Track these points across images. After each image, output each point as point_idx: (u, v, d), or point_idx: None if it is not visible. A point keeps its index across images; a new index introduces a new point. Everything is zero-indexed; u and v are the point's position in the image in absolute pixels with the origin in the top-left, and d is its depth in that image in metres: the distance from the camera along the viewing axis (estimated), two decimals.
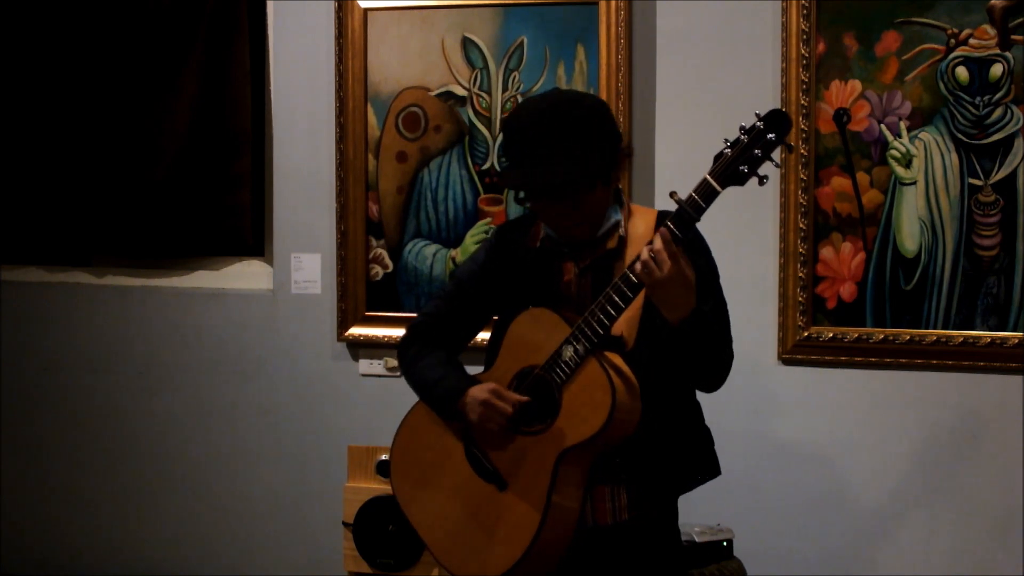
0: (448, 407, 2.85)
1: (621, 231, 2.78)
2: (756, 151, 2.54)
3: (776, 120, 2.54)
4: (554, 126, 2.66)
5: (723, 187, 2.56)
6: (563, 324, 2.71)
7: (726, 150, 2.56)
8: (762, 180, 2.55)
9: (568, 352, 2.68)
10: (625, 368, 2.68)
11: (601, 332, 2.65)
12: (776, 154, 2.57)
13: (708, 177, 2.56)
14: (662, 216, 2.78)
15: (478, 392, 2.78)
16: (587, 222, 2.75)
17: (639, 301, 2.67)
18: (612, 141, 2.73)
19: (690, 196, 2.57)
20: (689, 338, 2.64)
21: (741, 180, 2.55)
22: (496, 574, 2.74)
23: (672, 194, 2.61)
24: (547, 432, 2.72)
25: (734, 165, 2.55)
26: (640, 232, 2.77)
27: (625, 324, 2.69)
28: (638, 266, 2.58)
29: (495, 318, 2.95)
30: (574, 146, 2.66)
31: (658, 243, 2.56)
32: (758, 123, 2.55)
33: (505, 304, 2.87)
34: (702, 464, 2.87)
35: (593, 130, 2.69)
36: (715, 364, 2.76)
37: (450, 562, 2.86)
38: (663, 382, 2.76)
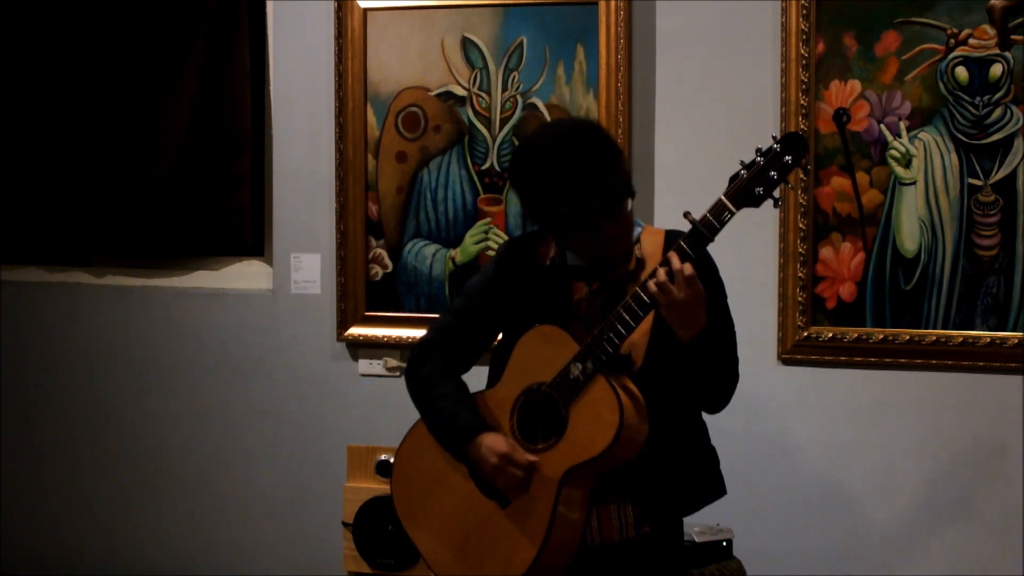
0: (457, 449, 2.82)
1: (638, 252, 2.77)
2: (772, 173, 2.55)
3: (793, 143, 2.56)
4: (582, 153, 2.65)
5: (738, 208, 2.57)
6: (571, 342, 2.70)
7: (742, 172, 2.57)
8: (777, 202, 2.58)
9: (576, 370, 2.67)
10: (633, 387, 2.67)
11: (610, 350, 2.64)
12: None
13: (723, 198, 2.57)
14: (671, 236, 2.78)
15: (489, 454, 2.74)
16: (626, 234, 2.74)
17: (647, 321, 2.66)
18: (617, 147, 2.75)
19: (704, 216, 2.58)
20: (700, 355, 2.65)
21: (756, 202, 2.57)
22: None
23: (686, 214, 2.62)
24: (553, 450, 2.71)
25: (750, 187, 2.56)
26: (649, 252, 2.76)
27: (633, 344, 2.68)
28: (651, 285, 2.58)
29: (500, 334, 2.94)
30: (606, 163, 2.66)
31: (676, 263, 2.56)
32: (775, 145, 2.56)
33: (513, 319, 2.86)
34: (708, 485, 2.87)
35: (609, 145, 2.71)
36: (723, 382, 2.78)
37: None
38: (670, 402, 2.75)
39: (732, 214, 2.57)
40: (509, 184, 2.92)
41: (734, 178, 2.58)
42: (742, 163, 2.59)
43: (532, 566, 2.69)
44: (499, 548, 2.76)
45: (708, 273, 2.76)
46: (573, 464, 2.67)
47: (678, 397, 2.77)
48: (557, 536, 2.70)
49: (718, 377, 2.75)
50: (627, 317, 2.62)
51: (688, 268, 2.56)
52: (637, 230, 2.80)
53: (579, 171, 2.63)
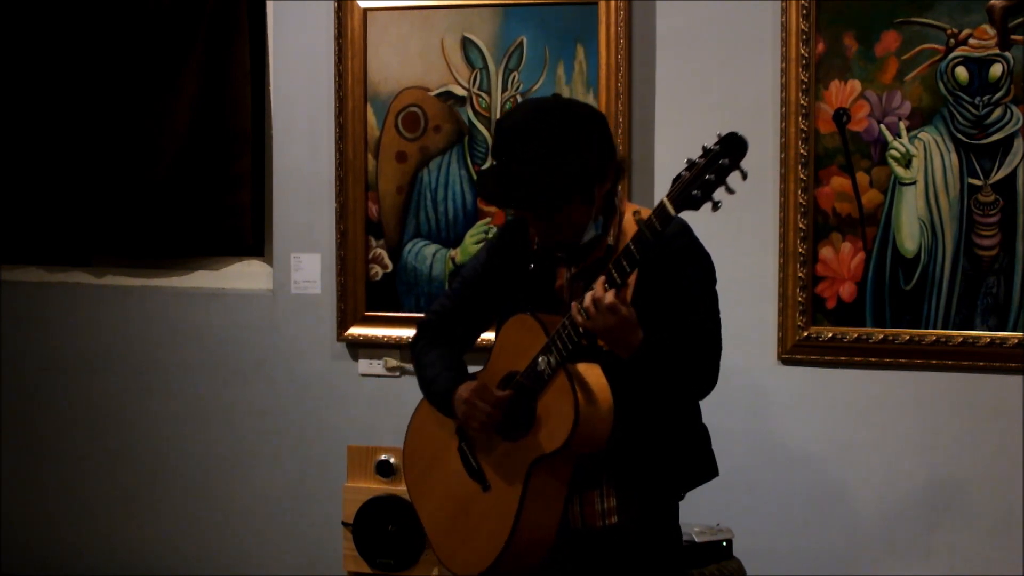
0: (443, 405, 2.87)
1: (610, 239, 2.74)
2: (709, 176, 2.43)
3: (731, 144, 2.43)
4: (533, 136, 2.60)
5: (677, 211, 2.47)
6: (542, 334, 2.70)
7: (684, 172, 2.47)
8: (716, 205, 2.45)
9: (543, 363, 2.68)
10: (596, 379, 2.65)
11: (571, 345, 2.63)
12: (749, 159, 2.49)
13: (665, 200, 2.49)
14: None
15: (463, 391, 2.80)
16: (563, 233, 2.70)
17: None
18: (600, 155, 2.66)
19: (649, 218, 2.51)
20: (645, 369, 2.63)
21: (695, 205, 2.45)
22: (474, 573, 2.78)
23: (635, 213, 2.57)
24: (523, 440, 2.74)
25: (688, 190, 2.45)
26: (630, 234, 2.73)
27: None
28: (578, 316, 2.58)
29: (496, 317, 2.96)
30: (551, 158, 2.59)
31: (598, 291, 2.54)
32: (715, 145, 2.44)
33: (505, 304, 2.88)
34: (697, 466, 2.86)
35: (575, 142, 2.62)
36: (688, 382, 2.73)
37: (441, 553, 2.92)
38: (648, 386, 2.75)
39: (672, 217, 2.47)
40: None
41: (676, 179, 2.48)
42: (688, 161, 2.48)
43: (503, 552, 2.72)
44: (478, 531, 2.80)
45: (691, 262, 2.72)
46: (538, 456, 2.69)
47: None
48: (527, 526, 2.72)
49: (678, 379, 2.70)
50: (573, 326, 2.61)
51: (609, 297, 2.52)
52: (593, 231, 2.74)
53: (530, 155, 2.59)
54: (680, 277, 2.69)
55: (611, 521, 2.79)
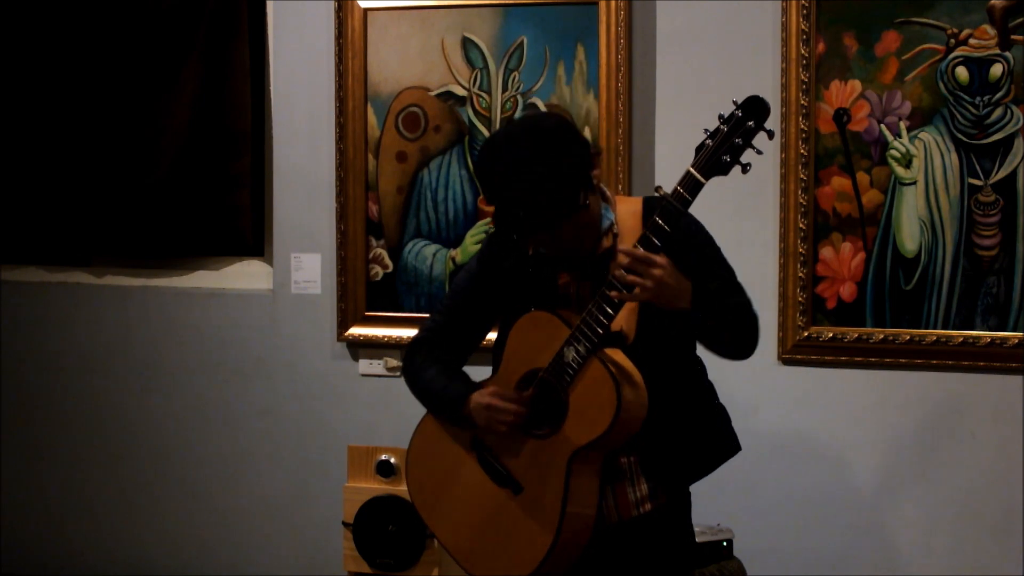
0: (454, 414, 2.86)
1: (615, 229, 2.76)
2: (736, 140, 2.53)
3: (754, 107, 2.54)
4: (528, 156, 2.62)
5: (707, 178, 2.55)
6: (562, 326, 2.71)
7: (707, 141, 2.56)
8: (745, 168, 2.55)
9: (570, 354, 2.68)
10: (628, 364, 2.68)
11: (600, 331, 2.65)
12: (762, 138, 2.57)
13: (691, 169, 2.56)
14: (648, 203, 2.78)
15: (480, 397, 2.79)
16: (591, 234, 2.72)
17: None
18: (582, 148, 2.69)
19: (675, 189, 2.57)
20: (709, 317, 2.67)
21: (724, 170, 2.55)
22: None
23: (657, 188, 2.62)
24: (557, 434, 2.72)
25: (716, 155, 2.54)
26: (629, 224, 2.76)
27: (625, 318, 2.69)
28: (619, 278, 2.58)
29: (492, 328, 2.95)
30: (552, 168, 2.61)
31: (640, 253, 2.55)
32: (736, 111, 2.55)
33: (505, 310, 2.87)
34: (721, 443, 2.89)
35: (561, 145, 2.64)
36: (742, 331, 2.78)
37: (475, 567, 2.87)
38: (670, 370, 2.77)
39: (702, 184, 2.56)
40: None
41: (700, 148, 2.56)
42: (707, 131, 2.56)
43: (551, 549, 2.71)
44: (516, 535, 2.78)
45: (695, 233, 2.78)
46: (578, 446, 2.69)
47: (677, 364, 2.79)
48: (572, 517, 2.72)
49: (735, 328, 2.76)
50: (606, 305, 2.62)
51: (649, 256, 2.55)
52: (609, 217, 2.76)
53: (526, 176, 2.60)
54: (695, 248, 2.74)
55: (645, 509, 2.80)
